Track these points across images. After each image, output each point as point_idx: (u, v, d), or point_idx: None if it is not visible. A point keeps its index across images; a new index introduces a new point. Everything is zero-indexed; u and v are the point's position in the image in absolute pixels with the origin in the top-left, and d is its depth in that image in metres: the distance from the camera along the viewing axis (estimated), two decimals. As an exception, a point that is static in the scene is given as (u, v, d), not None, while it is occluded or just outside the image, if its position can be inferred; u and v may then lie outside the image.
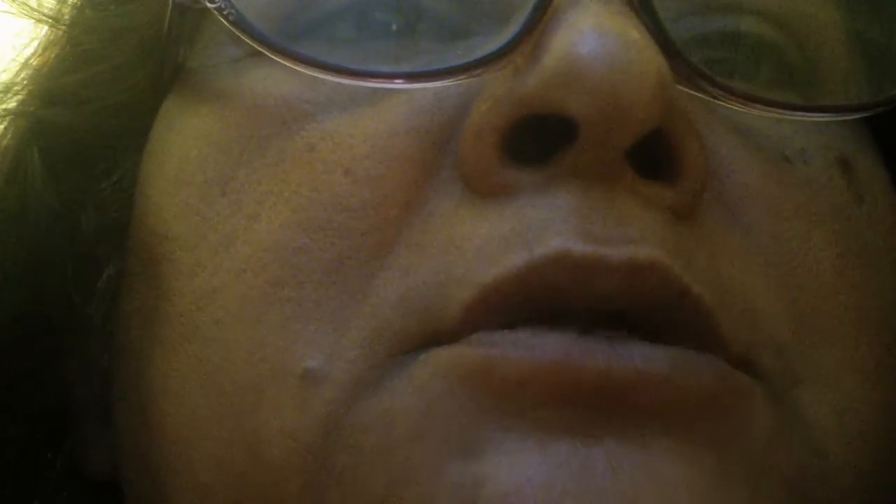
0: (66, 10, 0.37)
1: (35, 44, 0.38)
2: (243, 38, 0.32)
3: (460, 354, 0.28)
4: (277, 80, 0.32)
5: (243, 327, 0.31)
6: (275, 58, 0.31)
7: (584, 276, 0.28)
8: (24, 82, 0.38)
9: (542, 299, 0.29)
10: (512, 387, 0.28)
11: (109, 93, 0.36)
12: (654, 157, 0.30)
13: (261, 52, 0.32)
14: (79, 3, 0.37)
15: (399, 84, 0.31)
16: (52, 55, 0.37)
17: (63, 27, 0.37)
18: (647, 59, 0.28)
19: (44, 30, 0.37)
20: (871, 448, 0.32)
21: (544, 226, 0.29)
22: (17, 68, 0.38)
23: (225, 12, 0.32)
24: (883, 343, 0.33)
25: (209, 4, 0.32)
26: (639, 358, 0.28)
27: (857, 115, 0.33)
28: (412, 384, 0.29)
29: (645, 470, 0.27)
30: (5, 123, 0.37)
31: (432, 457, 0.28)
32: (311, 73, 0.31)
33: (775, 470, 0.29)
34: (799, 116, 0.32)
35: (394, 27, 0.33)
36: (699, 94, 0.31)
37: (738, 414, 0.29)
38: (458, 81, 0.30)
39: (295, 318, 0.30)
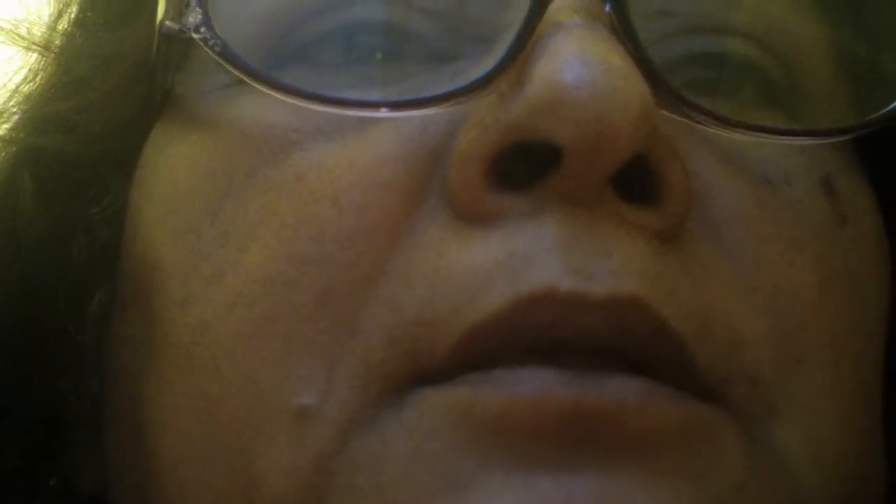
0: (56, 37, 0.38)
1: (25, 70, 0.38)
2: (228, 68, 0.32)
3: (444, 394, 0.29)
4: (265, 107, 0.32)
5: (238, 362, 0.31)
6: (259, 88, 0.31)
7: (568, 312, 0.29)
8: (15, 108, 0.38)
9: (528, 332, 0.29)
10: (491, 422, 0.28)
11: (100, 119, 0.36)
12: (637, 181, 0.30)
13: None
14: (68, 30, 0.38)
15: (384, 113, 0.31)
16: (43, 81, 0.38)
17: (52, 54, 0.37)
18: (631, 86, 0.28)
19: (34, 56, 0.38)
20: (845, 476, 0.32)
21: (530, 258, 0.29)
22: (8, 94, 0.38)
23: (210, 43, 0.32)
24: (862, 368, 0.33)
25: (195, 35, 0.32)
26: (612, 389, 0.28)
27: (839, 139, 0.33)
28: (402, 426, 0.29)
29: None
30: (-4, 149, 0.38)
31: (421, 496, 0.28)
32: (295, 102, 0.31)
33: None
34: (781, 140, 0.33)
35: (380, 51, 0.33)
36: (681, 119, 0.31)
37: (709, 448, 0.29)
38: (444, 109, 0.30)
39: (287, 353, 0.30)
